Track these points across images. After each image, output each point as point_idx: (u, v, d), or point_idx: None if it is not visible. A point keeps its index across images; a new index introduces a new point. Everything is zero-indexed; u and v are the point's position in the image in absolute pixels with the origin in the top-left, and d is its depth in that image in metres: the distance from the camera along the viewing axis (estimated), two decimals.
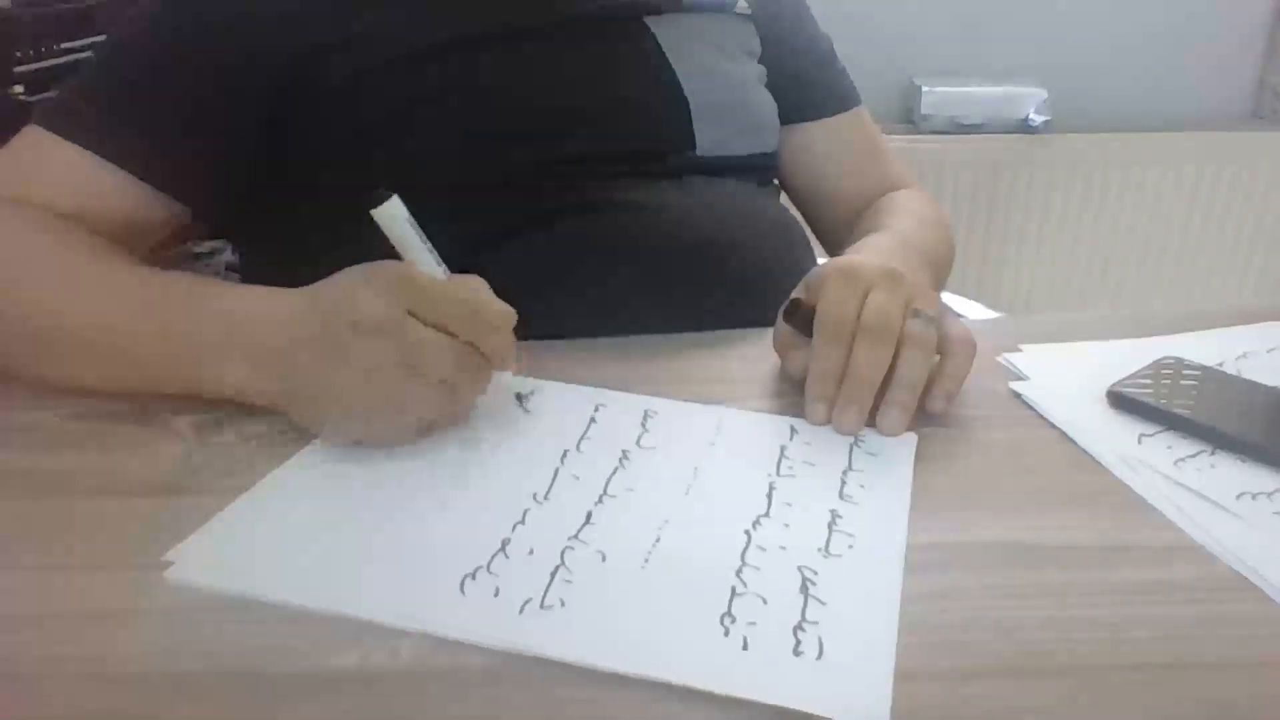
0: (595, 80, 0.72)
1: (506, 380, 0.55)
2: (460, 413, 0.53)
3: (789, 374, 0.58)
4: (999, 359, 0.62)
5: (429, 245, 0.51)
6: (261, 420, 0.53)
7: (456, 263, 0.67)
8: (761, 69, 0.82)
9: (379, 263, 0.50)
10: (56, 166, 0.63)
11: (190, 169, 0.66)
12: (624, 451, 0.52)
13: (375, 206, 0.50)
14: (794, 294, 0.59)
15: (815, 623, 0.39)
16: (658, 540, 0.45)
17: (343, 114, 0.68)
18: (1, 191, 0.62)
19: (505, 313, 0.52)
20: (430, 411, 0.50)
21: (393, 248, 0.51)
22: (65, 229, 0.61)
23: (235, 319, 0.53)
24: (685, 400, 0.57)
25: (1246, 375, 0.59)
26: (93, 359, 0.56)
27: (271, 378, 0.51)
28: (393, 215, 0.50)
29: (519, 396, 0.56)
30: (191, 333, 0.53)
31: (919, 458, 0.52)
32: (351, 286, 0.50)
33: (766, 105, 0.81)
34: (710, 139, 0.74)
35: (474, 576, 0.42)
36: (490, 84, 0.69)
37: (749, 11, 0.82)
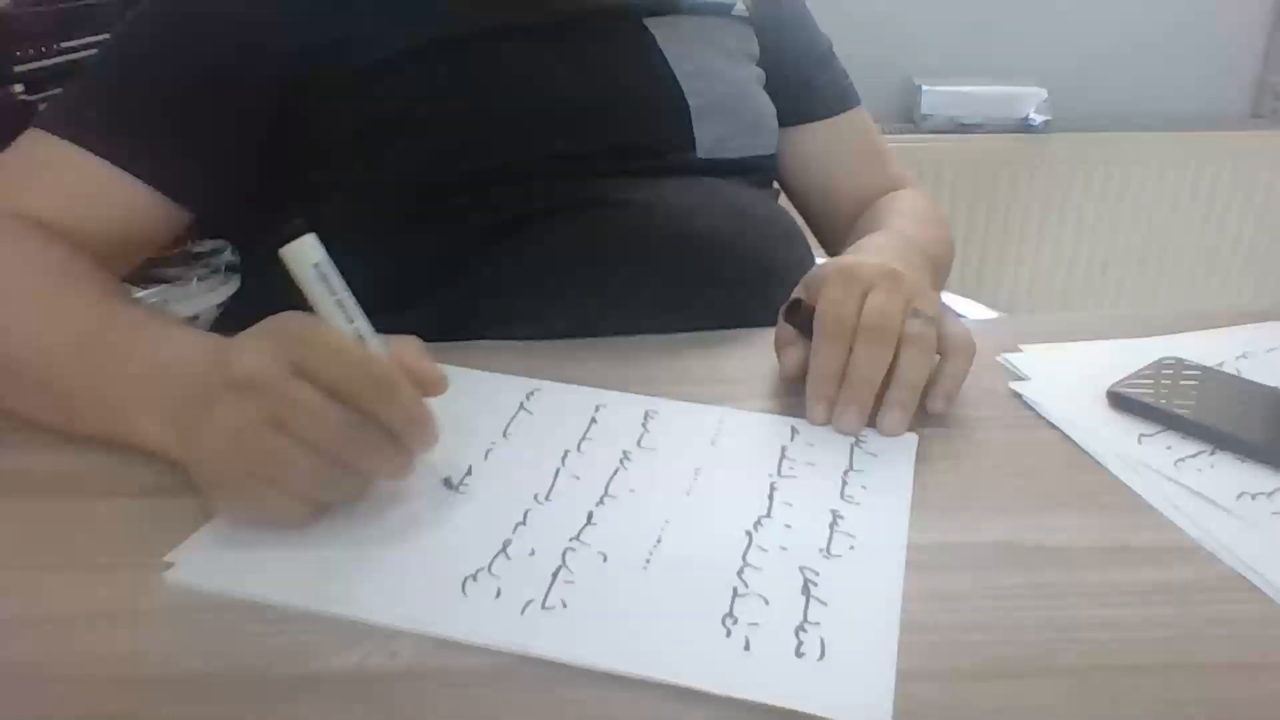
0: (595, 78, 0.72)
1: (431, 462, 0.46)
2: (357, 494, 0.45)
3: (782, 372, 0.58)
4: (999, 359, 0.62)
5: (341, 295, 0.44)
6: None
7: (456, 261, 0.68)
8: (760, 71, 0.83)
9: (283, 314, 0.44)
10: (58, 170, 0.63)
11: (191, 171, 0.66)
12: (625, 452, 0.52)
13: (285, 242, 0.43)
14: (794, 294, 0.59)
15: (817, 623, 0.39)
16: (659, 541, 0.45)
17: (343, 112, 0.68)
18: (2, 196, 0.62)
19: (430, 376, 0.45)
20: (312, 488, 0.43)
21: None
22: (38, 248, 0.59)
23: (152, 371, 0.49)
24: (685, 400, 0.57)
25: (1246, 375, 0.59)
26: (22, 389, 0.53)
27: (173, 437, 0.47)
28: (300, 257, 0.43)
29: (447, 482, 0.48)
30: (115, 382, 0.50)
31: (919, 458, 0.52)
32: (238, 339, 0.44)
33: (765, 107, 0.81)
34: (710, 140, 0.74)
35: (475, 577, 0.42)
36: (491, 81, 0.69)
37: (747, 14, 0.82)
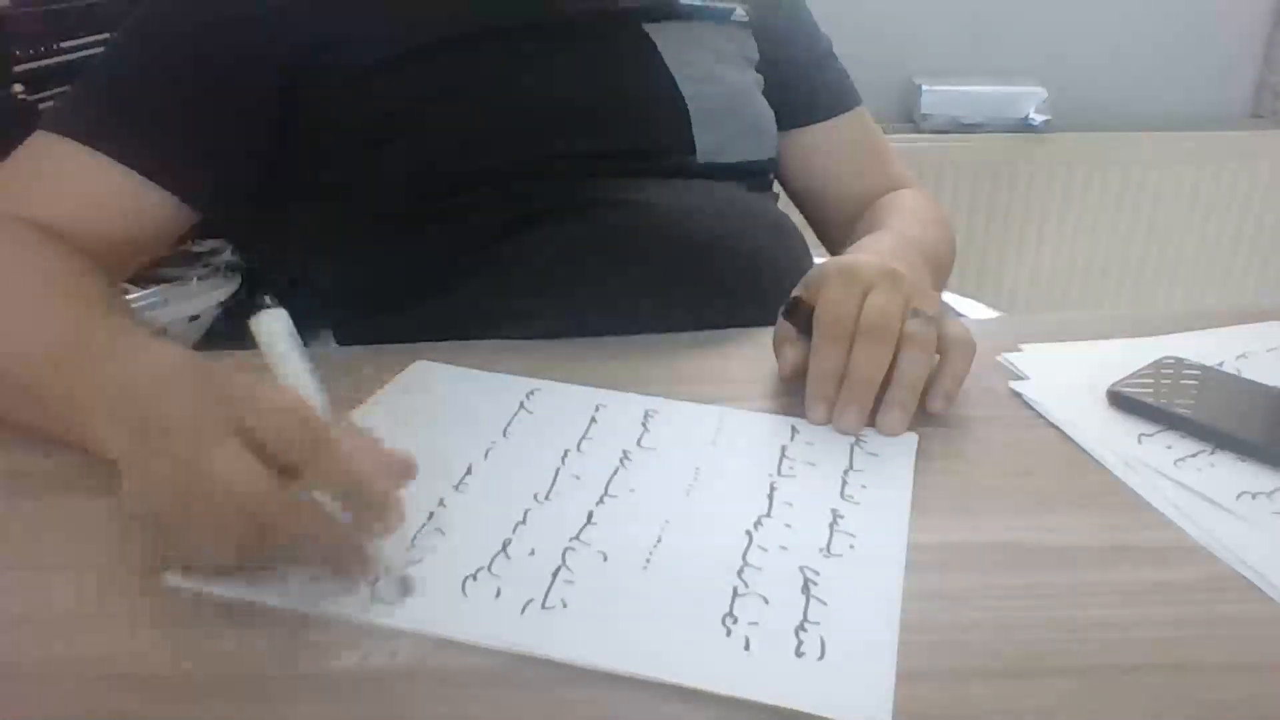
0: (595, 81, 0.72)
1: (387, 554, 0.41)
2: (288, 557, 0.41)
3: (780, 370, 0.58)
4: (999, 359, 0.62)
5: (309, 365, 0.42)
6: None
7: (456, 262, 0.68)
8: (759, 76, 0.83)
9: (232, 371, 0.42)
10: (64, 171, 0.63)
11: (198, 171, 0.66)
12: (625, 451, 0.52)
13: (254, 314, 0.41)
14: (794, 293, 0.59)
15: (817, 623, 0.39)
16: (659, 540, 0.45)
17: (343, 113, 0.68)
18: (5, 202, 0.62)
19: (393, 459, 0.41)
20: (218, 547, 0.39)
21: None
22: (33, 250, 0.59)
23: (123, 385, 0.46)
24: (685, 400, 0.57)
25: (1246, 375, 0.59)
26: (2, 390, 0.53)
27: (129, 453, 0.44)
28: (272, 326, 0.41)
29: (403, 582, 0.41)
30: (86, 391, 0.48)
31: (919, 458, 0.52)
32: (186, 384, 0.42)
33: (765, 112, 0.81)
34: (710, 144, 0.74)
35: (475, 577, 0.42)
36: (490, 82, 0.69)
37: (746, 19, 0.82)
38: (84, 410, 0.49)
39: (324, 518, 0.40)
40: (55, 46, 1.10)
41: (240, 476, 0.38)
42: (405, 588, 0.41)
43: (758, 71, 0.83)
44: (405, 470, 0.42)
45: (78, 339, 0.52)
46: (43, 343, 0.53)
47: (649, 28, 0.75)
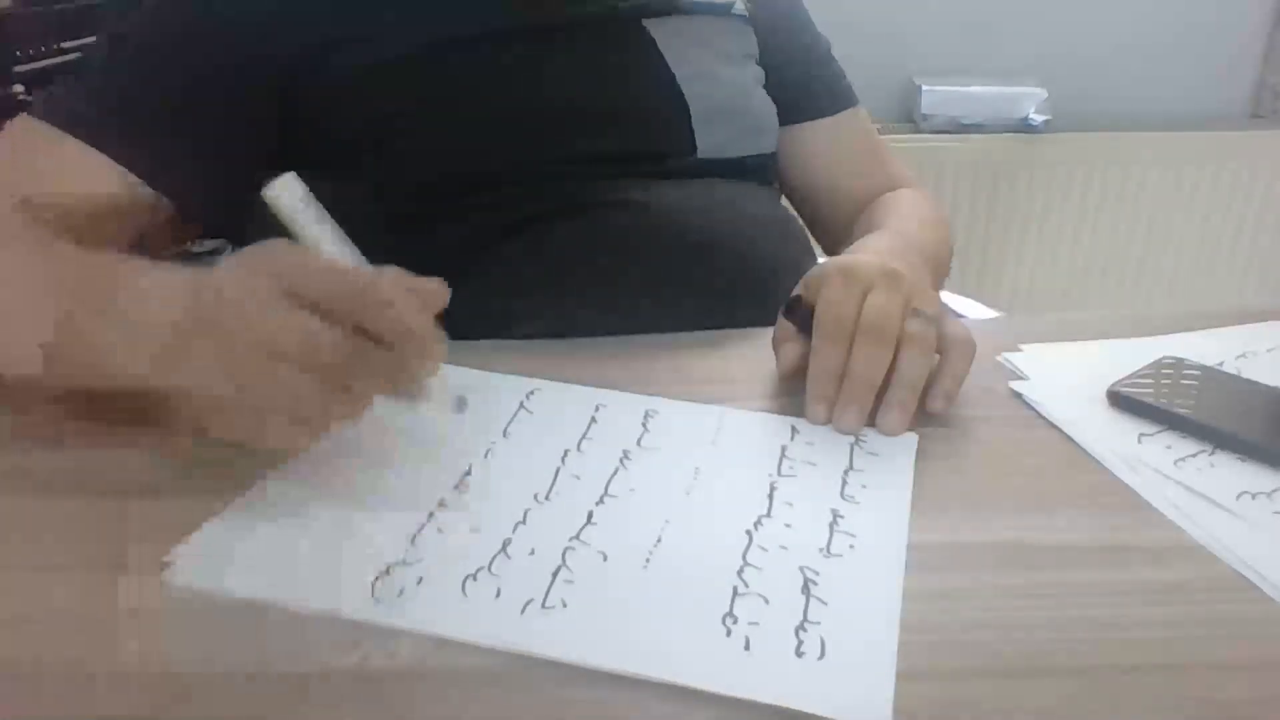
0: (595, 81, 0.72)
1: (439, 380, 0.46)
2: (358, 412, 0.45)
3: (779, 367, 0.58)
4: (999, 359, 0.62)
5: (330, 224, 0.45)
6: None
7: (456, 262, 0.68)
8: (760, 71, 0.83)
9: (264, 242, 0.45)
10: (46, 155, 0.63)
11: (182, 167, 0.65)
12: (625, 451, 0.52)
13: (267, 184, 0.44)
14: (794, 292, 0.59)
15: (817, 623, 0.39)
16: (659, 540, 0.45)
17: (342, 113, 0.68)
18: None
19: (426, 288, 0.45)
20: (312, 411, 0.43)
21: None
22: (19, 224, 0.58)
23: (133, 302, 0.47)
24: (686, 400, 0.57)
25: (1246, 375, 0.59)
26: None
27: (160, 369, 0.45)
28: (287, 192, 0.44)
29: (459, 401, 0.47)
30: (98, 317, 0.47)
31: (919, 458, 0.52)
32: (220, 270, 0.45)
33: (766, 108, 0.81)
34: (711, 142, 0.74)
35: (475, 577, 0.42)
36: (491, 84, 0.69)
37: (746, 14, 0.82)
38: (98, 340, 0.47)
39: (394, 360, 0.43)
40: (55, 46, 1.10)
41: (306, 325, 0.41)
42: (461, 404, 0.46)
43: (758, 65, 0.83)
44: (437, 300, 0.45)
45: (78, 269, 0.51)
46: (40, 280, 0.51)
47: (649, 24, 0.75)
